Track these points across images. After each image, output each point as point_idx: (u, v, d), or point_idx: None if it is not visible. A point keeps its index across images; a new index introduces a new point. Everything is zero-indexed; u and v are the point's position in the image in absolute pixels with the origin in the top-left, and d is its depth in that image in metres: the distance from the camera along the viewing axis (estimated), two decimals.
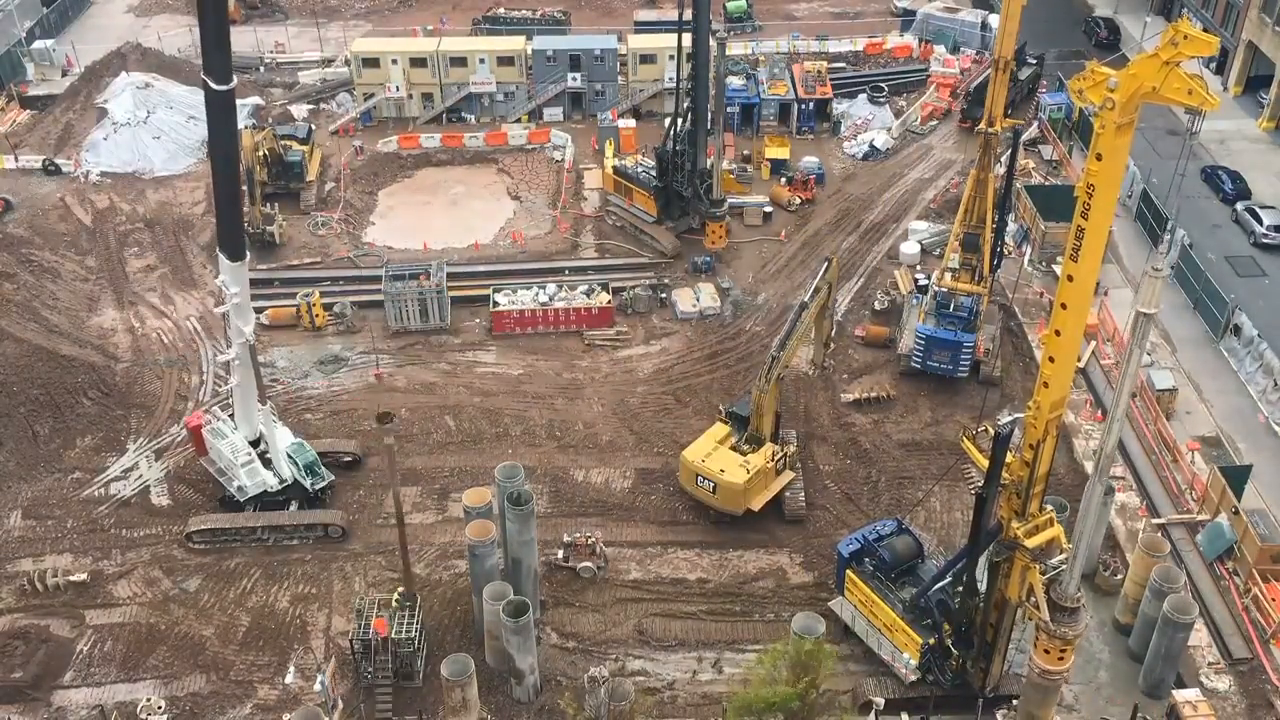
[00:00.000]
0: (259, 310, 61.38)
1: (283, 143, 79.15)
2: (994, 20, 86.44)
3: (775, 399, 54.20)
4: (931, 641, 44.40)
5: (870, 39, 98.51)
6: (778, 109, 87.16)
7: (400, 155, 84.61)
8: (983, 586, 43.16)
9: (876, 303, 68.49)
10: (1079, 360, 59.42)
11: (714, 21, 74.88)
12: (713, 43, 69.08)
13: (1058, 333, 36.29)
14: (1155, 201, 72.01)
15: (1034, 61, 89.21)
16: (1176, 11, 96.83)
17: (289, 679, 48.00)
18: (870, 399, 61.77)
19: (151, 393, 63.21)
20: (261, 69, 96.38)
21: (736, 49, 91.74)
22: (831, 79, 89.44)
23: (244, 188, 62.70)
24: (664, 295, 69.63)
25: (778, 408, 55.14)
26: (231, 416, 56.04)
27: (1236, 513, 51.23)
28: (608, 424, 60.90)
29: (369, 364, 65.01)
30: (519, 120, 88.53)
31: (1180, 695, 44.47)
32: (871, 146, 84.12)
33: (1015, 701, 44.53)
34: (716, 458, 53.70)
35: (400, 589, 48.70)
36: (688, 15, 67.66)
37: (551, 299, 68.19)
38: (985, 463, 39.61)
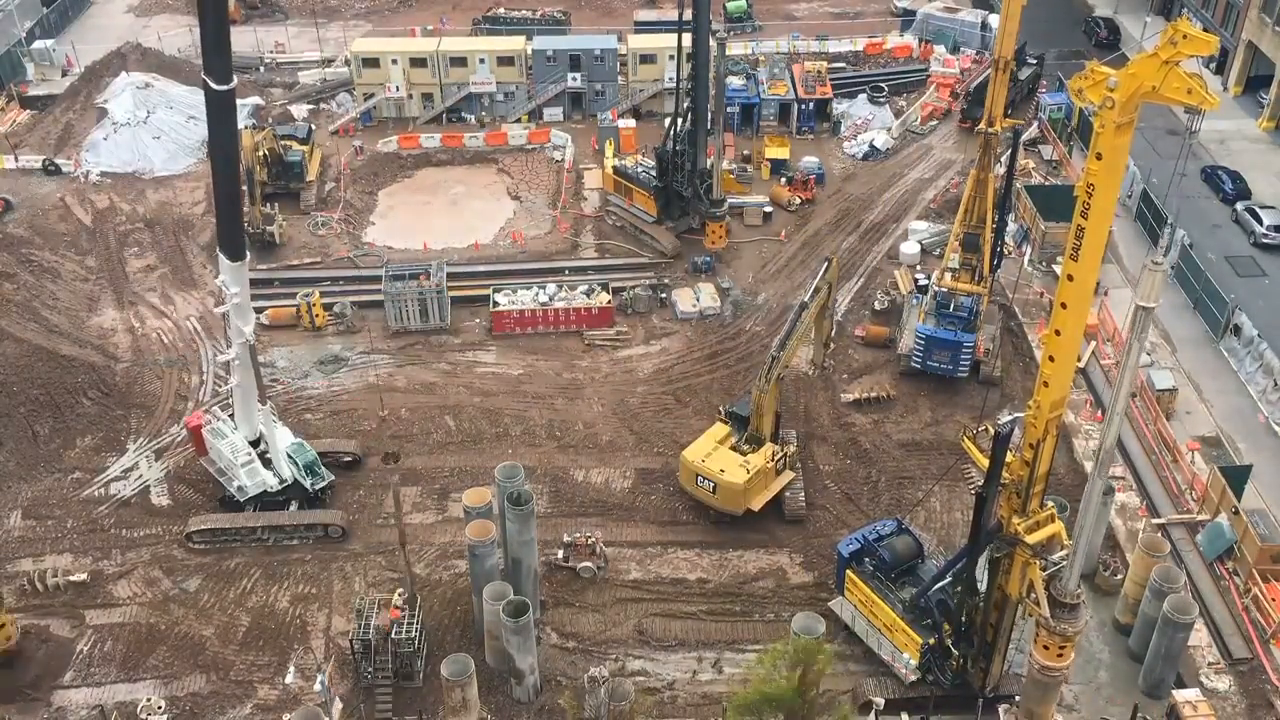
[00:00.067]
0: (259, 310, 61.38)
1: (283, 143, 79.13)
2: (994, 20, 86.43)
3: (775, 399, 54.17)
4: (931, 641, 44.39)
5: (870, 39, 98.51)
6: (778, 109, 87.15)
7: (400, 155, 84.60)
8: (983, 586, 43.16)
9: (876, 303, 68.47)
10: (1079, 360, 59.40)
11: (714, 21, 74.85)
12: (713, 43, 69.04)
13: (1058, 332, 36.31)
14: (1155, 201, 71.97)
15: (1034, 61, 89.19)
16: (1176, 11, 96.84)
17: (289, 679, 47.97)
18: (870, 399, 61.76)
19: (151, 393, 63.21)
20: (261, 69, 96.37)
21: (736, 49, 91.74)
22: (831, 79, 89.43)
23: (244, 188, 62.66)
24: (664, 295, 69.61)
25: (778, 408, 55.11)
26: (231, 416, 56.04)
27: (1236, 513, 51.21)
28: (608, 424, 60.89)
29: (369, 364, 65.01)
30: (519, 120, 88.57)
31: (1180, 695, 44.44)
32: (871, 146, 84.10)
33: (1017, 699, 44.55)
34: (716, 458, 53.69)
35: (400, 590, 48.73)
36: (688, 15, 67.64)
37: (551, 299, 68.17)
38: (985, 462, 39.64)
